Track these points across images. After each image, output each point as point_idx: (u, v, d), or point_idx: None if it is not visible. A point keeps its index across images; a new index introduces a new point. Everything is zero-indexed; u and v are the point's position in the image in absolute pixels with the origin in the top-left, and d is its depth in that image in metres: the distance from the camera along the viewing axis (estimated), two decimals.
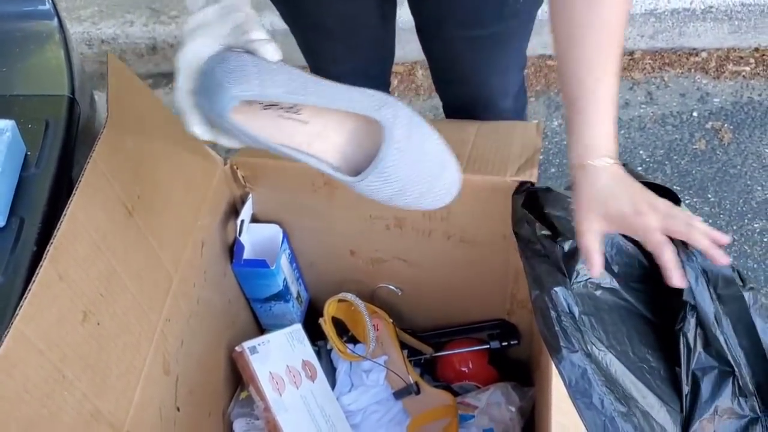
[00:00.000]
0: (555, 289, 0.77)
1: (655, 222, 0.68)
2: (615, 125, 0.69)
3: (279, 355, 1.01)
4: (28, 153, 0.75)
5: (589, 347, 0.74)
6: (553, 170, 1.68)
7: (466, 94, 1.12)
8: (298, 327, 1.07)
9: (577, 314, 0.77)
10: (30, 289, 0.60)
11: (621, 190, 0.69)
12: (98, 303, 0.69)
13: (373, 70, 1.15)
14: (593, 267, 0.70)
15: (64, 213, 0.65)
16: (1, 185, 0.69)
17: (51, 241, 0.64)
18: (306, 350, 1.05)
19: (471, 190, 0.92)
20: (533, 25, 1.03)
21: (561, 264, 0.81)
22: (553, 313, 0.76)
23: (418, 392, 1.05)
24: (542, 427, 0.81)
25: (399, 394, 1.06)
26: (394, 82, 1.86)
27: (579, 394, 0.72)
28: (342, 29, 1.03)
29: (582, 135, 0.69)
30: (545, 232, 0.81)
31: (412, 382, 1.05)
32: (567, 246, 0.82)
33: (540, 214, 0.84)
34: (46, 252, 0.63)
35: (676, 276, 0.68)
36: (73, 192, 0.67)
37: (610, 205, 0.69)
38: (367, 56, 1.11)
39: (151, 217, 0.80)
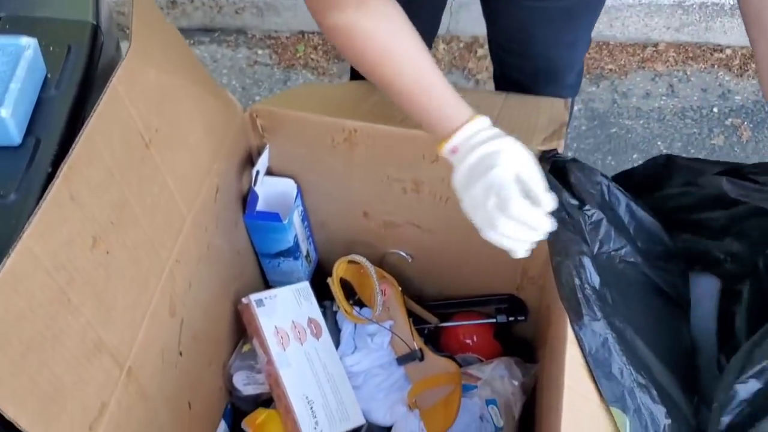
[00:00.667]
0: (579, 257, 0.75)
1: None
2: None
3: (285, 311, 0.99)
4: (49, 75, 0.73)
5: (610, 317, 0.73)
6: (570, 155, 1.66)
7: (528, 66, 1.09)
8: (305, 284, 1.05)
9: (598, 284, 0.75)
10: (41, 206, 0.59)
11: None
12: (109, 231, 0.68)
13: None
14: None
15: (80, 133, 0.64)
16: (19, 101, 0.67)
17: (65, 160, 0.62)
18: (312, 308, 1.04)
19: None
20: (605, 2, 1.01)
21: (585, 234, 0.79)
22: (576, 281, 0.74)
23: (422, 359, 1.03)
24: (550, 394, 0.79)
25: (402, 360, 1.04)
26: None
27: (598, 362, 0.71)
28: None
29: None
30: (573, 200, 0.79)
31: (416, 348, 1.03)
32: (593, 216, 0.80)
33: (565, 184, 0.82)
34: (59, 171, 0.61)
35: None
36: (91, 114, 0.65)
37: None
38: (423, 22, 1.09)
39: (168, 152, 0.78)
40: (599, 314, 0.72)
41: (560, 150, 0.87)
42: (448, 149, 0.71)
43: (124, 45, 0.81)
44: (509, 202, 0.65)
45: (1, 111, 0.65)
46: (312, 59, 1.84)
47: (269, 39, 1.89)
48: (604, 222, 0.79)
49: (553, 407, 0.73)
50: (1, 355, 0.55)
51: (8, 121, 0.65)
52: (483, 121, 0.71)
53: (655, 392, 0.70)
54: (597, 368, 0.70)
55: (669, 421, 0.71)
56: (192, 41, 1.88)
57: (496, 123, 0.93)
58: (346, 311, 1.04)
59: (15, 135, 0.67)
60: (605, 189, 0.82)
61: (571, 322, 0.72)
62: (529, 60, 1.08)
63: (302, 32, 1.88)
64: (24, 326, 0.57)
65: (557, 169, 0.84)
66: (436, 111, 0.71)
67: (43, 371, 0.59)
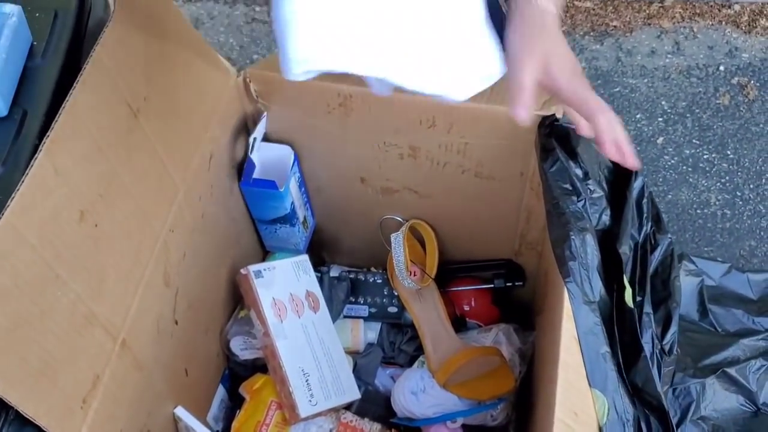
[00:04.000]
0: (582, 234, 0.74)
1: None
2: None
3: (283, 283, 0.99)
4: (35, 43, 0.71)
5: (604, 300, 0.72)
6: None
7: None
8: (304, 257, 1.05)
9: (598, 263, 0.74)
10: (23, 182, 0.58)
11: (565, 48, 0.61)
12: (97, 204, 0.67)
13: None
14: (522, 106, 0.61)
15: (63, 106, 0.62)
16: (4, 72, 0.65)
17: (48, 134, 0.61)
18: (311, 281, 1.03)
19: (491, 123, 0.88)
20: None
21: (588, 208, 0.78)
22: (577, 257, 0.73)
23: None
24: (546, 367, 0.79)
25: None
26: None
27: (587, 343, 0.71)
28: None
29: None
30: (578, 170, 0.77)
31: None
32: (595, 192, 0.79)
33: (569, 153, 0.80)
34: (42, 144, 0.60)
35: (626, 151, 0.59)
36: (74, 85, 0.63)
37: (554, 59, 0.60)
38: None
39: (157, 121, 0.76)
40: (595, 295, 0.71)
41: (559, 115, 0.85)
42: None
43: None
44: None
45: None
46: None
47: None
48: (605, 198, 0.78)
49: (549, 380, 0.73)
50: None
51: None
52: None
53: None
54: (585, 348, 0.70)
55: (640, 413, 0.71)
56: None
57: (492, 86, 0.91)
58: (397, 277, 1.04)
59: (1, 107, 0.65)
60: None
61: (570, 299, 0.72)
62: None
63: None
64: (10, 303, 0.57)
65: (561, 136, 0.82)
66: None
67: (33, 347, 0.59)
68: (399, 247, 1.02)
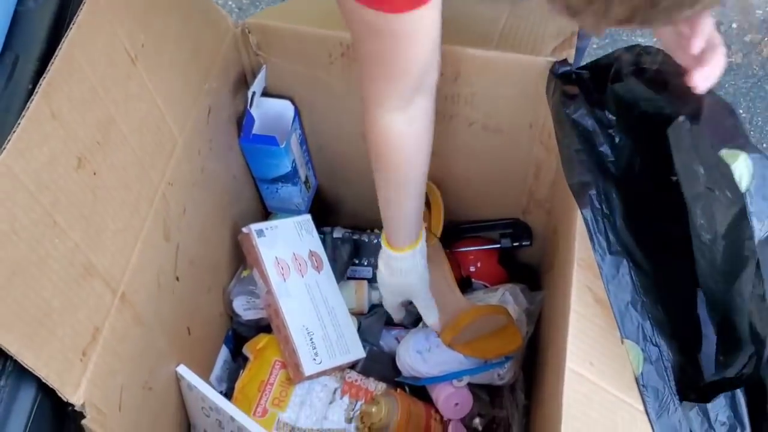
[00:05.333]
0: (604, 182, 0.72)
1: None
2: None
3: (286, 242, 0.97)
4: None
5: (630, 248, 0.70)
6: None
7: None
8: (307, 217, 1.03)
9: (622, 214, 0.72)
10: (20, 124, 0.55)
11: None
12: (95, 151, 0.64)
13: None
14: None
15: (59, 47, 0.60)
16: None
17: (44, 75, 0.58)
18: (314, 241, 1.01)
19: (500, 71, 0.86)
20: None
21: (610, 155, 0.76)
22: (600, 207, 0.71)
23: None
24: (557, 319, 0.78)
25: None
26: None
27: (615, 294, 0.69)
28: None
29: None
30: (599, 113, 0.74)
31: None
32: (617, 138, 0.76)
33: (588, 96, 0.78)
34: (38, 86, 0.58)
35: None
36: (70, 26, 0.61)
37: None
38: None
39: (155, 70, 0.74)
40: (619, 247, 0.69)
41: (570, 60, 0.83)
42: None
43: None
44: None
45: None
46: None
47: None
48: (630, 145, 0.75)
49: (560, 332, 0.72)
50: None
51: None
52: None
53: (668, 328, 0.68)
54: (614, 300, 0.68)
55: (680, 357, 0.69)
56: None
57: (501, 33, 0.88)
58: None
59: None
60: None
61: (593, 249, 0.70)
62: None
63: None
64: (7, 249, 0.55)
65: (581, 81, 0.79)
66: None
67: (31, 295, 0.57)
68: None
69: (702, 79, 0.62)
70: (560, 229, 0.90)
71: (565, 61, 0.79)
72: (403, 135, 0.73)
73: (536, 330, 1.02)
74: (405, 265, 0.86)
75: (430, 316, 0.93)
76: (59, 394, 0.60)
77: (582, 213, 0.74)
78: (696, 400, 0.68)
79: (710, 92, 0.66)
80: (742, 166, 0.61)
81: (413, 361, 0.97)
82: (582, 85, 0.79)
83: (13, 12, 0.67)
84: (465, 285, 1.09)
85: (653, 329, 0.70)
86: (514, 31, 0.87)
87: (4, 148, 0.54)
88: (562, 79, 0.80)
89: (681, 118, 0.66)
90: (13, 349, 0.55)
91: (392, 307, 0.95)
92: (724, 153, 0.62)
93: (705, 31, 0.62)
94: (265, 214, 1.12)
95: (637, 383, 0.69)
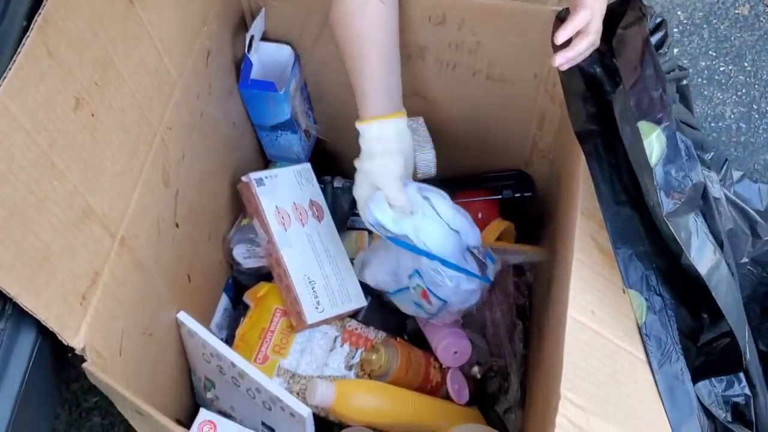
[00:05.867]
0: (608, 131, 0.71)
1: None
2: None
3: (286, 191, 0.96)
4: None
5: (635, 199, 0.69)
6: None
7: None
8: (307, 166, 1.01)
9: (627, 163, 0.71)
10: (15, 60, 0.54)
11: None
12: (92, 92, 0.63)
13: None
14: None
15: None
16: None
17: (39, 11, 0.57)
18: (314, 190, 1.00)
19: (505, 19, 0.84)
20: None
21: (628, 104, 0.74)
22: (602, 153, 0.70)
23: None
24: (559, 269, 0.77)
25: None
26: None
27: (621, 244, 0.69)
28: None
29: None
30: (607, 60, 0.73)
31: None
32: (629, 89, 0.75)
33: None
34: (33, 22, 0.56)
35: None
36: None
37: None
38: None
39: (153, 10, 0.72)
40: (625, 197, 0.68)
41: None
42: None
43: None
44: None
45: None
46: None
47: None
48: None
49: (563, 280, 0.71)
50: None
51: None
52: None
53: (672, 279, 0.68)
54: (618, 250, 0.68)
55: (683, 308, 0.69)
56: None
57: None
58: None
59: None
60: None
61: (598, 198, 0.69)
62: None
63: None
64: (5, 190, 0.54)
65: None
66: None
67: (29, 237, 0.56)
68: None
69: (560, 58, 0.69)
70: (564, 179, 0.90)
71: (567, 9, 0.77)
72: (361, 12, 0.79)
73: (536, 280, 1.02)
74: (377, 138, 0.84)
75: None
76: (59, 338, 0.60)
77: (587, 161, 0.73)
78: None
79: (651, 62, 0.66)
80: (654, 141, 0.62)
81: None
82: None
83: None
84: None
85: (657, 279, 0.70)
86: None
87: (1, 86, 0.53)
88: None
89: (620, 87, 0.66)
90: (12, 291, 0.55)
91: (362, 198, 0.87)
92: (642, 125, 0.63)
93: (579, 16, 0.68)
94: (265, 163, 1.11)
95: (640, 332, 0.69)
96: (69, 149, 0.60)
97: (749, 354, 0.73)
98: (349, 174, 1.16)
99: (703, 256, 0.63)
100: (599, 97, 0.75)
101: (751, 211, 0.85)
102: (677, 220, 0.63)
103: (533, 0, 0.83)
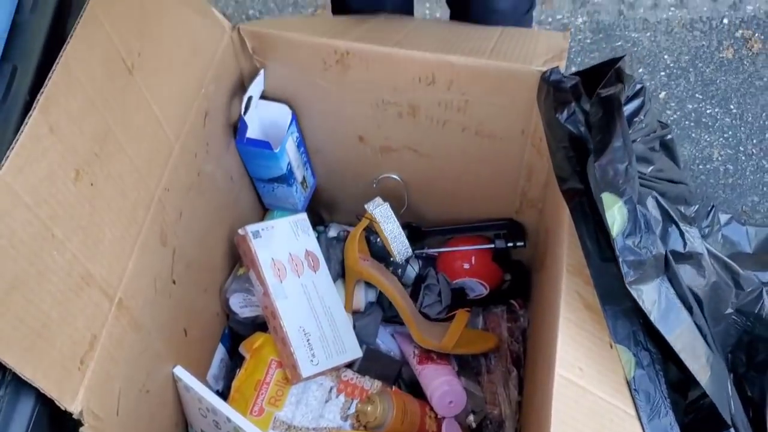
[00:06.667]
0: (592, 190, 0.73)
1: None
2: None
3: (282, 243, 0.98)
4: None
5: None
6: (574, 69, 1.61)
7: None
8: (303, 216, 1.04)
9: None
10: (17, 140, 0.56)
11: None
12: (92, 162, 0.65)
13: None
14: None
15: (57, 61, 0.61)
16: None
17: (42, 90, 0.59)
18: (310, 241, 1.02)
19: (492, 79, 0.86)
20: None
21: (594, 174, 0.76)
22: (588, 212, 0.72)
23: None
24: (546, 324, 0.79)
25: None
26: None
27: (609, 300, 0.70)
28: None
29: None
30: (582, 128, 0.75)
31: None
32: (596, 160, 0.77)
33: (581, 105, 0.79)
34: (35, 101, 0.58)
35: None
36: (67, 39, 0.62)
37: None
38: None
39: (152, 77, 0.75)
40: (610, 253, 0.70)
41: (561, 69, 0.84)
42: None
43: None
44: None
45: None
46: None
47: None
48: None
49: (550, 338, 0.73)
50: None
51: None
52: None
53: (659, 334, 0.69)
54: (605, 306, 0.69)
55: (671, 363, 0.70)
56: None
57: (493, 48, 0.90)
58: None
59: None
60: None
61: (585, 256, 0.71)
62: None
63: None
64: (6, 264, 0.56)
65: (573, 87, 0.80)
66: None
67: (30, 309, 0.58)
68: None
69: None
70: (551, 230, 0.92)
71: (556, 69, 0.80)
72: None
73: (529, 325, 1.04)
74: None
75: None
76: (57, 404, 0.62)
77: (573, 218, 0.75)
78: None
79: (621, 133, 0.68)
80: (616, 213, 0.65)
81: None
82: (573, 92, 0.79)
83: (10, 23, 0.67)
84: (459, 297, 1.10)
85: (644, 335, 0.72)
86: (505, 47, 0.88)
87: (3, 165, 0.55)
88: (554, 85, 0.81)
89: (591, 157, 0.68)
90: (11, 363, 0.57)
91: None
92: (605, 196, 0.65)
93: None
94: (263, 211, 1.13)
95: (629, 387, 0.70)
96: (69, 220, 0.62)
97: (734, 407, 0.74)
98: (344, 218, 1.19)
99: (668, 320, 0.65)
100: (584, 156, 0.77)
101: (733, 264, 0.87)
102: (640, 287, 0.65)
103: (519, 61, 0.85)
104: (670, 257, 0.70)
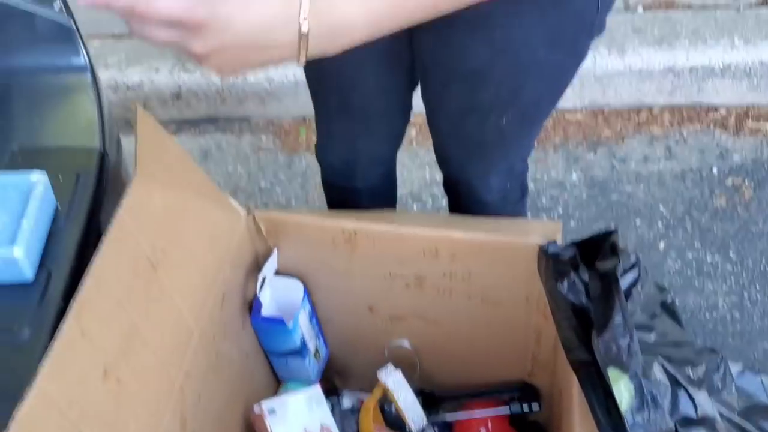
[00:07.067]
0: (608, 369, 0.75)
1: None
2: None
3: (297, 418, 1.00)
4: (59, 207, 0.75)
5: None
6: (573, 224, 1.68)
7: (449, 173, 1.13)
8: (317, 390, 1.06)
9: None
10: (52, 346, 0.60)
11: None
12: (119, 360, 0.69)
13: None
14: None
15: (88, 268, 0.66)
16: (31, 240, 0.69)
17: (75, 296, 0.64)
18: (324, 414, 1.04)
19: (493, 252, 0.92)
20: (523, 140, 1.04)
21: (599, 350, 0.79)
22: (597, 382, 0.74)
23: None
24: None
25: None
26: (412, 132, 1.87)
27: None
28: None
29: None
30: (584, 298, 0.79)
31: None
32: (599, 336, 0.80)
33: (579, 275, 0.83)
34: (69, 307, 0.63)
35: None
36: (99, 247, 0.67)
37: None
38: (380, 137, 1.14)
39: (174, 271, 0.80)
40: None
41: (557, 235, 0.89)
42: None
43: (128, 140, 0.83)
44: None
45: (15, 250, 0.67)
46: (314, 142, 1.88)
47: (272, 125, 1.93)
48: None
49: None
50: None
51: (22, 261, 0.67)
52: None
53: None
54: None
55: None
56: (197, 130, 1.92)
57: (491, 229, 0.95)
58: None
59: (28, 273, 0.69)
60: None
61: (597, 425, 0.72)
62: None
63: (303, 117, 1.92)
64: None
65: (571, 259, 0.83)
66: None
67: None
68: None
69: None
70: (564, 393, 0.93)
71: (553, 242, 0.85)
72: None
73: None
74: None
75: None
76: None
77: (582, 388, 0.76)
78: None
79: (620, 309, 0.72)
80: (622, 388, 0.68)
81: None
82: (572, 263, 0.84)
83: (47, 234, 0.74)
84: None
85: None
86: (500, 226, 0.95)
87: (39, 371, 0.59)
88: (553, 257, 0.85)
89: (594, 332, 0.72)
90: None
91: None
92: (611, 371, 0.68)
93: None
94: (277, 382, 1.15)
95: None
96: (96, 418, 0.65)
97: None
98: (358, 386, 1.21)
99: None
100: (588, 325, 0.80)
101: (747, 423, 0.88)
102: None
103: (518, 234, 0.91)
104: (700, 410, 0.71)
